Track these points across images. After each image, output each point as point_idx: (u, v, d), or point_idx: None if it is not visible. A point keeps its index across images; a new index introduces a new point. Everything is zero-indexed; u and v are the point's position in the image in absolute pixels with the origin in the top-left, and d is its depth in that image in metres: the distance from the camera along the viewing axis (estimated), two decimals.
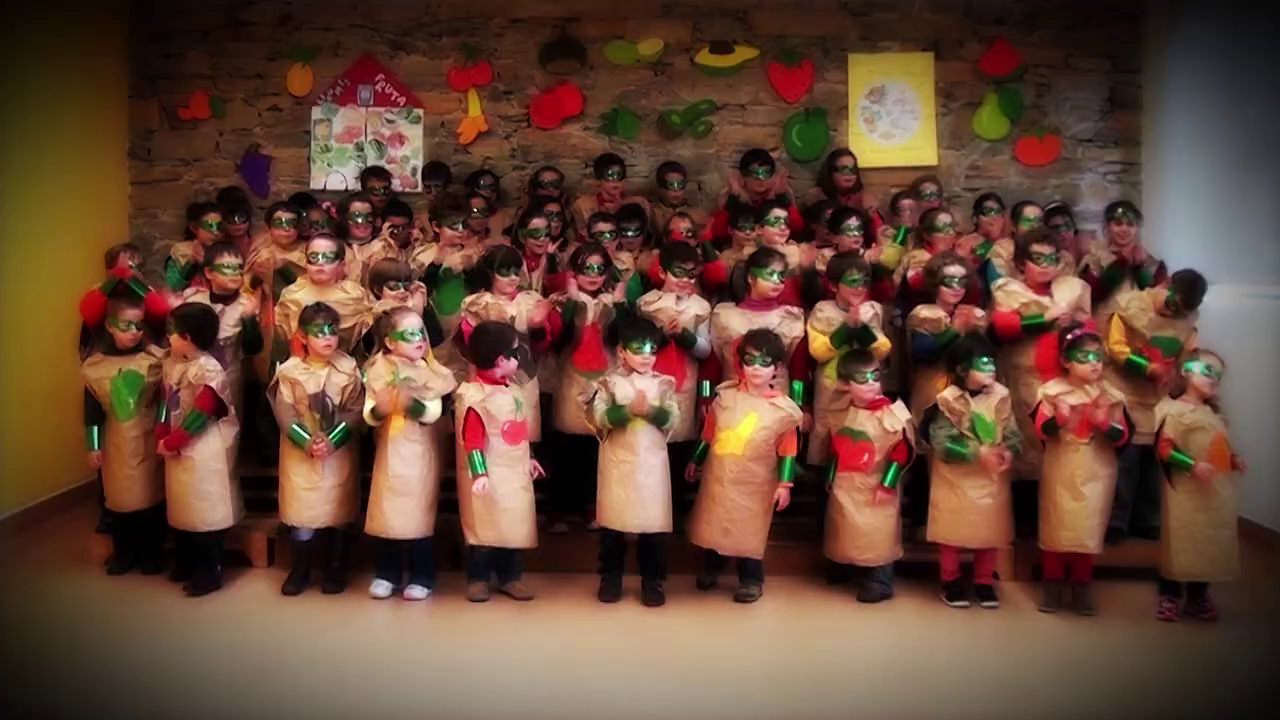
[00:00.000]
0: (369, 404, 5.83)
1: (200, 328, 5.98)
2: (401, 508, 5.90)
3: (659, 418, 5.86)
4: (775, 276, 6.28)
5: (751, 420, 5.82)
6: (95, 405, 6.17)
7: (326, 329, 5.98)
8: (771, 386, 5.93)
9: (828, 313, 6.42)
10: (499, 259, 6.42)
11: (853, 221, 6.94)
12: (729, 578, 6.19)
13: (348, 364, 6.09)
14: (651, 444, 5.87)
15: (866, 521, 5.92)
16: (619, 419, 5.81)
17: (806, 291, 6.73)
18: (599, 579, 6.13)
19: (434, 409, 5.88)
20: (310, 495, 6.02)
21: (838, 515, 5.94)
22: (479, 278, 6.54)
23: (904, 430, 5.88)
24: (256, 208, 7.91)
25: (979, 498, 5.94)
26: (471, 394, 5.81)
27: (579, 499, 6.52)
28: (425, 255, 6.86)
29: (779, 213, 6.90)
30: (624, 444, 5.86)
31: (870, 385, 5.94)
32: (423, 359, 6.01)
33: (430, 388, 5.93)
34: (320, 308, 6.05)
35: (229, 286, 6.47)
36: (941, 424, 5.91)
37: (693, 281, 6.46)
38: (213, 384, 5.98)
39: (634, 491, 5.81)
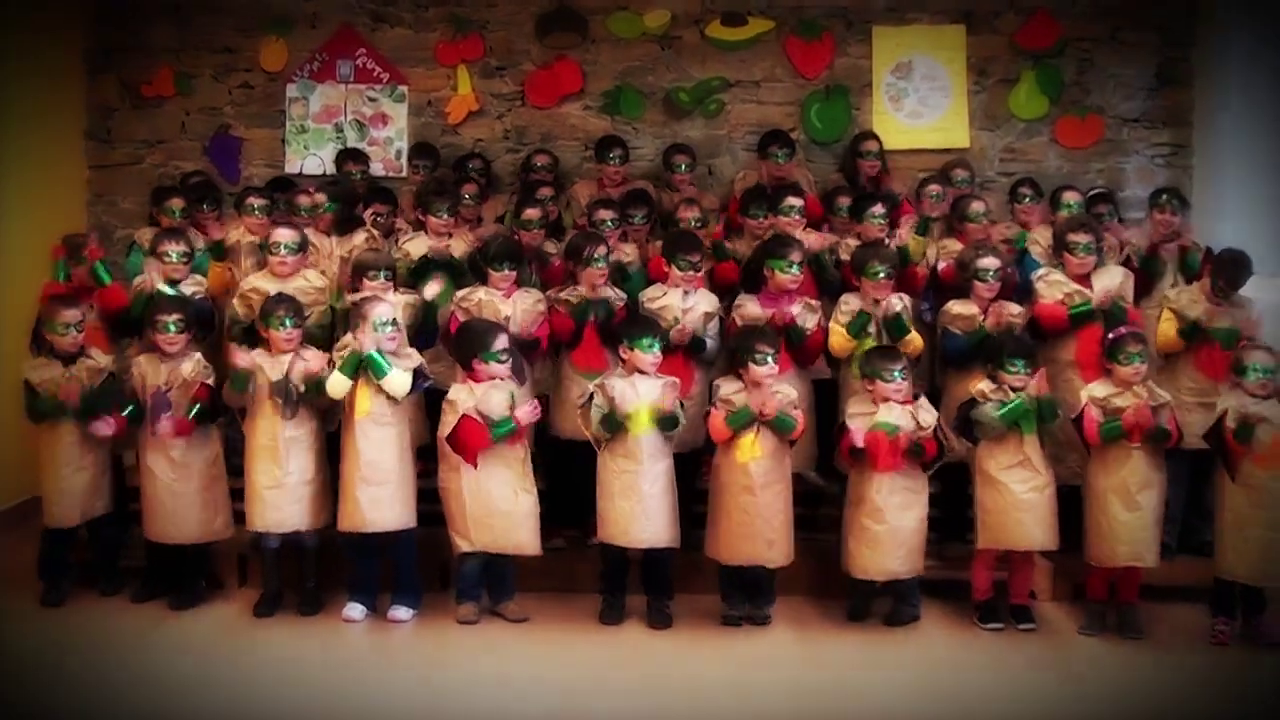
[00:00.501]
0: (334, 370, 5.92)
1: (204, 323, 6.14)
2: (377, 497, 5.92)
3: (665, 422, 5.90)
4: (794, 268, 6.35)
5: (762, 426, 5.94)
6: (44, 404, 6.17)
7: (288, 321, 6.06)
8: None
9: (853, 306, 6.49)
10: (493, 250, 6.44)
11: (877, 209, 6.98)
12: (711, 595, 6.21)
13: (314, 356, 6.14)
14: (656, 451, 5.90)
15: (908, 526, 5.94)
16: (616, 426, 5.84)
17: (819, 282, 6.82)
18: (600, 599, 6.16)
19: (400, 377, 5.91)
20: (274, 495, 6.04)
21: (873, 523, 5.93)
22: (474, 270, 6.60)
23: (937, 426, 5.94)
24: (226, 194, 7.95)
25: (1025, 492, 5.95)
26: (463, 398, 5.85)
27: (578, 511, 6.49)
28: (413, 245, 6.89)
29: (794, 201, 6.94)
30: (626, 451, 5.89)
31: (897, 384, 5.95)
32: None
33: (398, 362, 6.01)
34: (281, 299, 6.13)
35: (174, 277, 6.54)
36: (983, 404, 5.96)
37: (700, 275, 6.51)
38: (210, 382, 6.12)
39: (638, 503, 5.84)
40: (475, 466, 5.83)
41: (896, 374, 5.97)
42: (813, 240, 6.90)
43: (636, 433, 5.90)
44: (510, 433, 5.87)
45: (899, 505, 5.95)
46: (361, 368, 5.91)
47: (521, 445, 5.95)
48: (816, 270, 6.82)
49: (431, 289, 6.37)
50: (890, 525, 5.93)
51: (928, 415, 5.97)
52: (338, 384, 5.94)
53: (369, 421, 5.94)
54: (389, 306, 6.02)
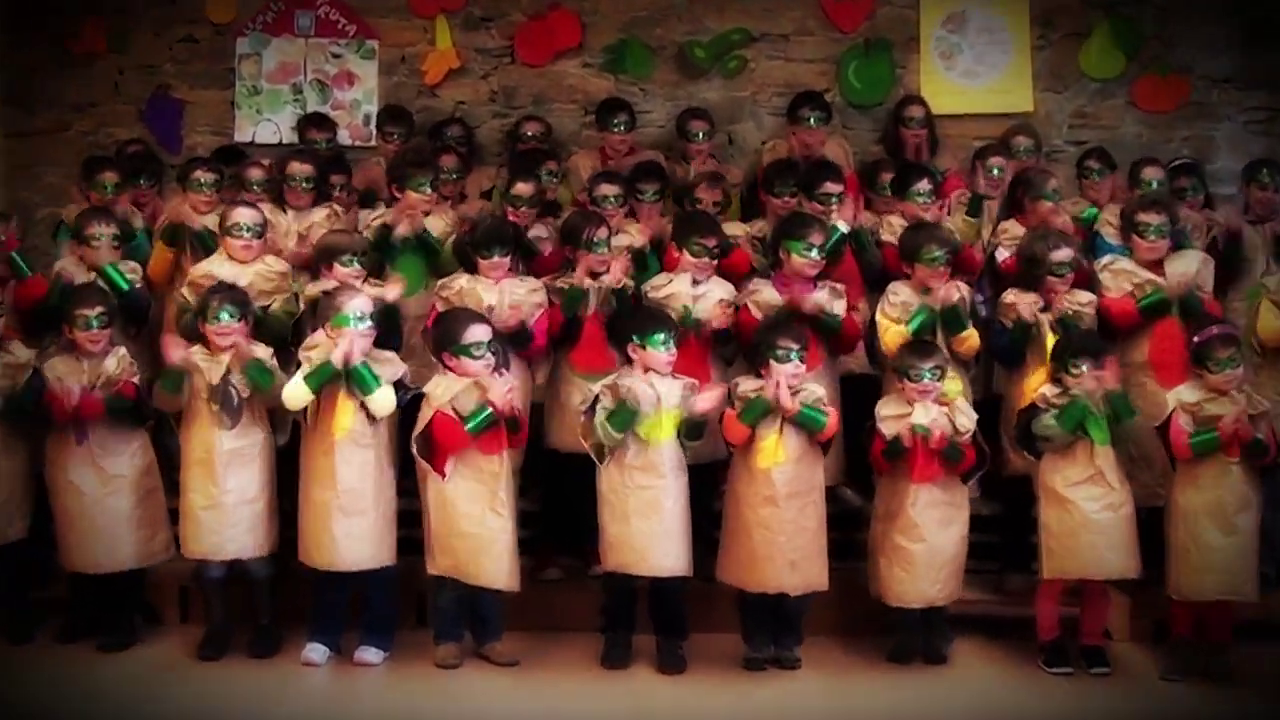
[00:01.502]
0: (297, 376, 5.93)
1: (135, 316, 6.21)
2: (354, 531, 5.95)
3: (692, 430, 5.98)
4: (814, 251, 6.41)
5: (781, 424, 5.99)
6: None
7: (223, 314, 6.08)
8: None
9: (903, 296, 6.51)
10: (480, 233, 6.49)
11: (924, 184, 7.01)
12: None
13: (262, 352, 6.18)
14: (679, 463, 5.99)
15: (948, 546, 6.03)
16: (625, 425, 5.87)
17: (860, 265, 6.86)
18: (602, 639, 6.18)
19: (388, 395, 5.97)
20: (210, 516, 6.06)
21: (909, 541, 5.99)
22: (460, 257, 6.66)
23: (975, 432, 6.02)
24: (168, 166, 8.04)
25: (1097, 512, 5.97)
26: (438, 392, 5.90)
27: (576, 537, 6.53)
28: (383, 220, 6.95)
29: (833, 188, 6.96)
30: (645, 464, 5.95)
31: (926, 385, 6.02)
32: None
33: (380, 374, 6.03)
34: (220, 289, 6.19)
35: (101, 262, 6.61)
36: (1045, 413, 6.00)
37: (714, 261, 6.57)
38: (136, 380, 6.16)
39: (660, 524, 5.90)
40: (444, 476, 5.88)
41: (926, 374, 6.03)
42: (845, 213, 6.88)
43: (658, 441, 5.94)
44: (489, 424, 5.88)
45: (938, 521, 6.01)
46: (337, 380, 5.94)
47: (499, 458, 5.96)
48: (856, 250, 6.88)
49: (393, 290, 6.37)
50: (929, 544, 5.99)
51: (965, 418, 6.02)
52: (297, 394, 5.95)
53: (349, 443, 5.98)
54: (365, 300, 6.06)
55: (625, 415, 5.89)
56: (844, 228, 6.70)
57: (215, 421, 6.03)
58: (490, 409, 5.84)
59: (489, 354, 5.95)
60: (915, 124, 7.91)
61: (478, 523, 5.89)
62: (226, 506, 6.02)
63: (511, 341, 6.31)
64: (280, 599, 6.30)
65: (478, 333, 5.96)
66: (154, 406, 6.21)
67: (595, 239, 6.52)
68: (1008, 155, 7.54)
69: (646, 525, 5.91)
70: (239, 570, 6.19)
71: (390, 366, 6.08)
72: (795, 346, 5.96)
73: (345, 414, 5.98)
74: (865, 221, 7.00)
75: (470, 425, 5.84)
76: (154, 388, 6.15)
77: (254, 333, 6.24)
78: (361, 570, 6.03)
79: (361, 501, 5.98)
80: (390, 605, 6.22)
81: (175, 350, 6.06)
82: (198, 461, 6.06)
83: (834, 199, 6.88)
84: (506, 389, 5.88)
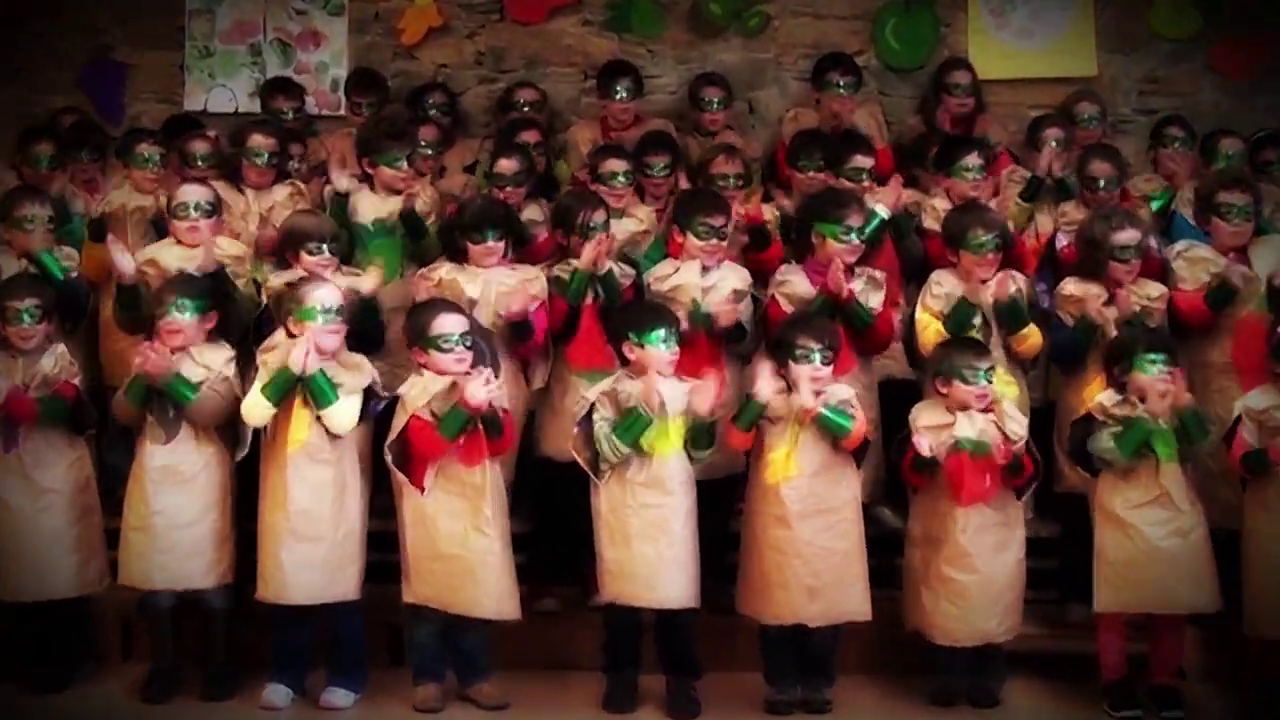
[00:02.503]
0: (255, 387, 5.95)
1: (73, 309, 6.24)
2: (307, 559, 5.93)
3: (700, 438, 5.97)
4: (852, 235, 6.41)
5: (797, 431, 6.00)
6: None
7: (174, 309, 6.07)
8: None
9: (947, 287, 6.49)
10: (471, 213, 6.53)
11: (972, 158, 7.04)
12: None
13: (216, 355, 6.16)
14: (688, 479, 5.98)
15: (1004, 574, 6.02)
16: (636, 436, 5.87)
17: (898, 252, 6.89)
18: (604, 679, 6.18)
19: (346, 409, 5.98)
20: (139, 539, 6.06)
21: (959, 572, 5.98)
22: (444, 241, 6.69)
23: (1029, 440, 6.02)
24: (110, 137, 8.02)
25: (1163, 538, 5.93)
26: (414, 394, 5.93)
27: (575, 562, 6.52)
28: (361, 203, 7.01)
29: (862, 161, 6.99)
30: (649, 479, 5.94)
31: (980, 389, 6.01)
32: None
33: (340, 383, 6.02)
34: (180, 281, 6.19)
35: (32, 248, 6.62)
36: (1103, 429, 5.99)
37: (723, 244, 6.55)
38: (76, 382, 6.17)
39: (669, 547, 5.89)
40: (423, 490, 5.89)
41: (981, 375, 6.01)
42: (887, 197, 6.88)
43: (664, 453, 5.94)
44: (463, 425, 5.88)
45: (992, 547, 6.00)
46: (295, 389, 5.95)
47: (482, 469, 5.95)
48: (895, 236, 6.86)
49: (369, 281, 6.38)
50: (982, 575, 5.98)
51: (1016, 425, 6.00)
52: (257, 409, 5.98)
53: (303, 458, 5.97)
54: (333, 291, 6.06)
55: (636, 425, 5.89)
56: (884, 213, 6.73)
57: (151, 433, 6.05)
58: (463, 408, 5.81)
59: (462, 347, 5.95)
60: (961, 91, 7.92)
61: (460, 543, 5.88)
62: (156, 530, 6.00)
63: (514, 335, 6.35)
64: (242, 635, 6.27)
65: (447, 323, 5.96)
66: (94, 413, 6.25)
67: (591, 223, 6.52)
68: (1069, 124, 7.59)
69: (652, 550, 5.89)
70: (191, 602, 6.17)
71: (356, 374, 6.05)
72: (816, 345, 5.96)
73: (300, 424, 5.96)
74: (906, 202, 7.03)
75: (442, 427, 5.84)
76: (116, 396, 6.16)
77: (222, 325, 6.26)
78: (317, 604, 6.01)
79: (316, 525, 5.95)
80: (360, 641, 6.19)
81: (155, 357, 5.99)
82: (133, 477, 6.09)
83: (864, 174, 6.93)
84: (485, 384, 5.83)
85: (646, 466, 5.94)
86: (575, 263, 6.46)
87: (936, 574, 6.03)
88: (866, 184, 6.92)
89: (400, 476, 5.92)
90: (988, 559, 5.99)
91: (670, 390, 5.95)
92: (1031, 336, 6.42)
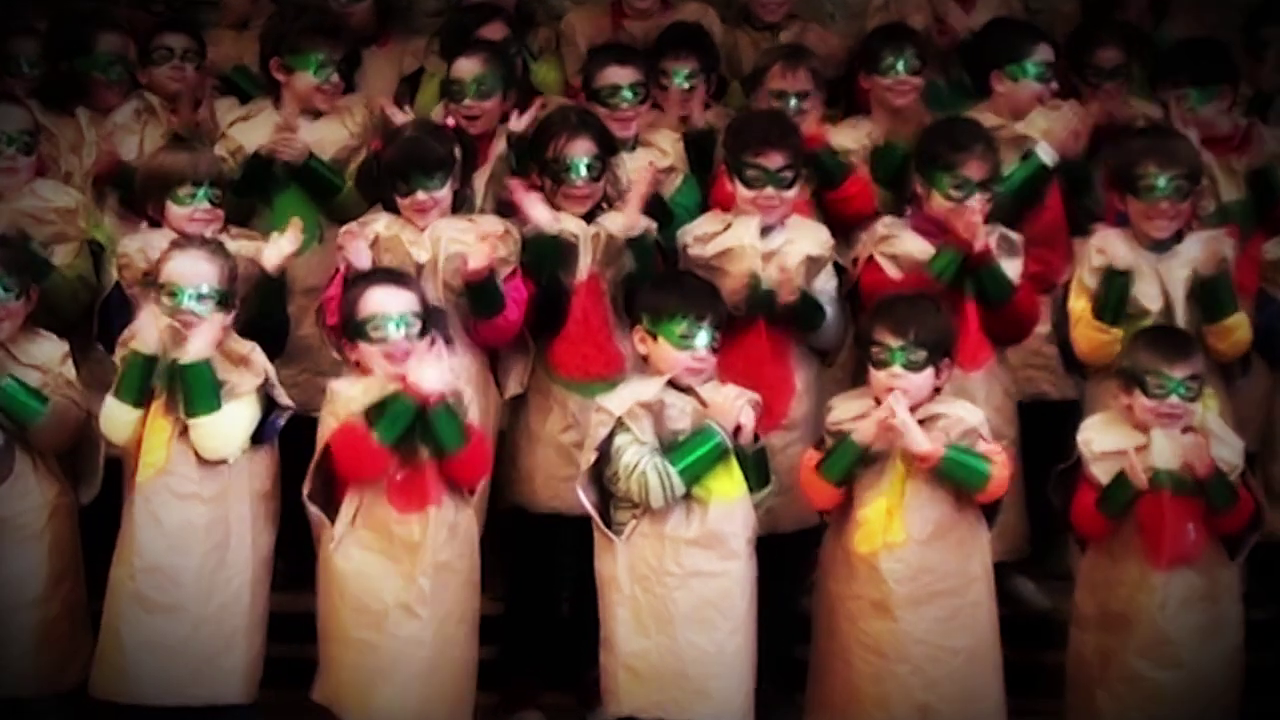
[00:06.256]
0: (111, 392, 5.38)
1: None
2: (159, 638, 5.21)
3: (754, 473, 5.24)
4: (967, 192, 5.62)
5: (903, 476, 5.21)
6: None
7: None
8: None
9: (1111, 253, 5.62)
10: (396, 150, 5.78)
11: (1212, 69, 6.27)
12: None
13: (47, 350, 5.49)
14: (753, 538, 5.25)
15: (1214, 667, 5.28)
16: (710, 462, 5.13)
17: (1066, 211, 6.19)
18: None
19: (224, 425, 5.23)
20: None
21: (1151, 665, 5.22)
22: (365, 185, 6.00)
23: (1246, 471, 5.38)
24: None
25: None
26: (339, 402, 5.24)
27: (571, 657, 5.83)
28: (244, 133, 6.23)
29: (1043, 55, 6.27)
30: (706, 535, 5.17)
31: (1175, 404, 5.17)
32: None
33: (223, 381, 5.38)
34: None
35: None
36: None
37: (785, 194, 5.71)
38: None
39: (730, 637, 5.13)
40: (351, 524, 5.15)
41: (1177, 383, 5.20)
42: (1065, 136, 6.09)
43: (727, 498, 5.20)
44: (406, 422, 5.12)
45: (1199, 630, 5.27)
46: (162, 385, 5.31)
47: (421, 519, 5.12)
48: (1067, 187, 6.12)
49: (277, 250, 5.62)
50: (1189, 670, 5.26)
51: (1229, 451, 5.29)
52: (117, 420, 5.27)
53: (161, 490, 5.23)
54: (210, 262, 5.32)
55: (706, 452, 5.15)
56: (1047, 158, 6.06)
57: None
58: (409, 401, 5.09)
59: (403, 336, 5.18)
60: None
61: (375, 625, 5.13)
62: None
63: (474, 307, 5.59)
64: None
65: (378, 300, 5.22)
66: None
67: (569, 158, 5.77)
68: None
69: (707, 640, 5.13)
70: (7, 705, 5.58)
71: (243, 373, 5.34)
72: (897, 341, 5.19)
73: (155, 442, 5.26)
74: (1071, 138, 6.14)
75: (379, 429, 5.08)
76: None
77: (39, 312, 5.60)
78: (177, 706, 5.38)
79: (176, 588, 5.22)
80: None
81: None
82: None
83: (1044, 70, 6.24)
84: (434, 358, 5.14)
85: (700, 517, 5.19)
86: (537, 219, 5.78)
87: (1121, 670, 5.31)
88: (1042, 88, 6.21)
89: (317, 516, 5.26)
90: (1194, 646, 5.29)
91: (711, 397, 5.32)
92: (1239, 329, 5.68)
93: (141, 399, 5.26)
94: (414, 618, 5.17)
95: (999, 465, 5.22)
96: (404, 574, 5.19)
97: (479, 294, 5.62)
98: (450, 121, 6.10)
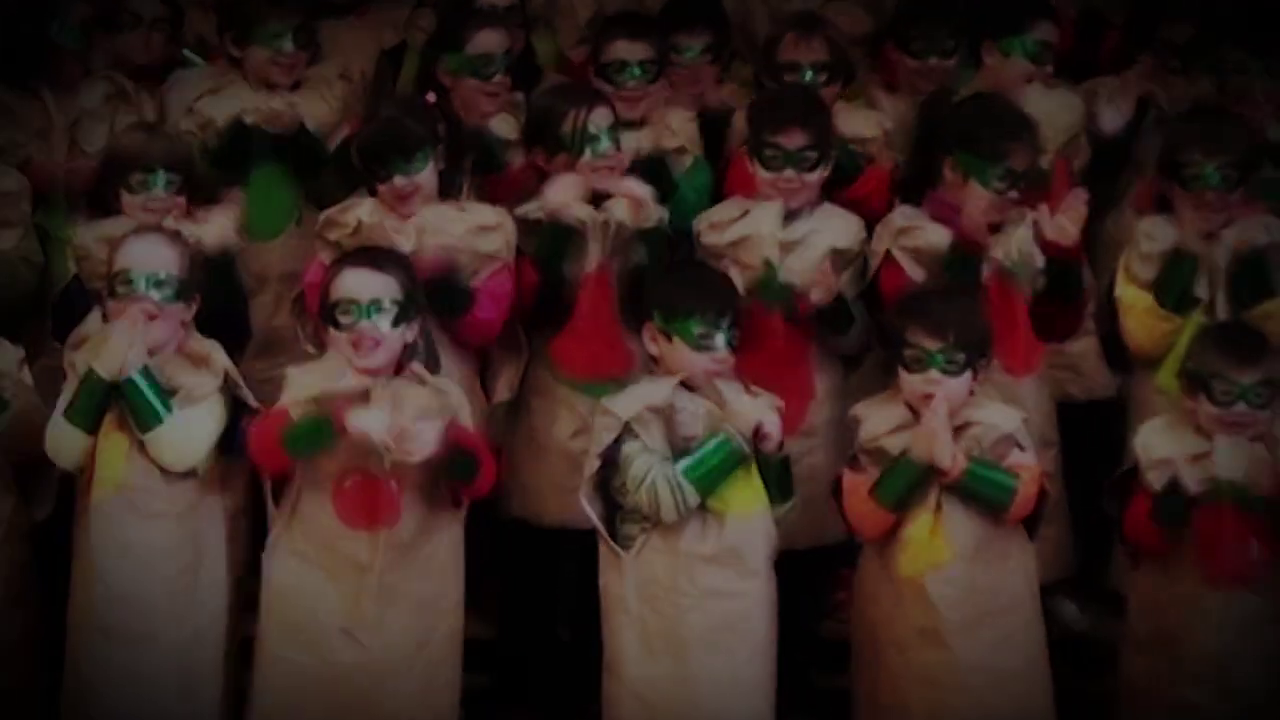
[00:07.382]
0: (60, 406, 5.11)
1: None
2: (129, 671, 4.99)
3: (776, 484, 5.02)
4: (1008, 182, 5.43)
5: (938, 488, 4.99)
6: None
7: None
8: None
9: (1163, 242, 5.50)
10: (370, 132, 5.54)
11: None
12: None
13: (1, 355, 5.32)
14: (766, 542, 5.03)
15: (1272, 693, 5.13)
16: (727, 471, 4.92)
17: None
18: None
19: (187, 429, 5.03)
20: None
21: (1201, 694, 5.03)
22: (342, 166, 5.73)
23: None
24: None
25: None
26: (293, 388, 4.97)
27: (575, 684, 5.47)
28: (215, 105, 5.98)
29: (1043, 33, 6.01)
30: (723, 551, 4.95)
31: (1243, 411, 4.94)
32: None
33: (178, 387, 5.12)
34: None
35: None
36: None
37: (806, 177, 5.46)
38: None
39: (748, 663, 4.95)
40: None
41: (1245, 389, 4.97)
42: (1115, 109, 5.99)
43: (745, 510, 5.01)
44: (321, 447, 4.87)
45: (1260, 659, 5.07)
46: (113, 400, 5.04)
47: (374, 541, 4.84)
48: (1113, 156, 6.04)
49: (217, 227, 5.48)
50: (1244, 700, 5.09)
51: None
52: (64, 441, 5.05)
53: (120, 508, 5.01)
54: (167, 249, 5.09)
55: (723, 460, 4.94)
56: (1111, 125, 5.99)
57: None
58: (330, 427, 4.79)
59: (375, 324, 4.90)
60: None
61: (308, 647, 4.88)
62: None
63: (436, 303, 5.29)
64: None
65: (350, 283, 4.93)
66: None
67: (587, 130, 5.49)
68: None
69: (723, 665, 4.92)
70: None
71: (202, 374, 5.08)
72: (935, 343, 4.96)
73: (112, 455, 5.02)
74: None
75: (290, 436, 4.84)
76: None
77: None
78: None
79: (141, 619, 5.00)
80: None
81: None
82: None
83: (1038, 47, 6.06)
84: (387, 414, 4.74)
85: (717, 531, 4.99)
86: (554, 206, 5.49)
87: (1177, 697, 5.12)
88: (1035, 69, 6.00)
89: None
90: (1254, 677, 5.13)
91: (733, 399, 5.13)
92: None
93: (95, 426, 5.07)
94: (357, 645, 4.93)
95: (1027, 481, 5.01)
96: (349, 596, 4.97)
97: (440, 294, 5.45)
98: (431, 97, 5.85)
